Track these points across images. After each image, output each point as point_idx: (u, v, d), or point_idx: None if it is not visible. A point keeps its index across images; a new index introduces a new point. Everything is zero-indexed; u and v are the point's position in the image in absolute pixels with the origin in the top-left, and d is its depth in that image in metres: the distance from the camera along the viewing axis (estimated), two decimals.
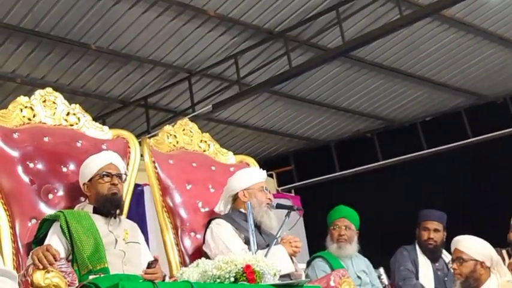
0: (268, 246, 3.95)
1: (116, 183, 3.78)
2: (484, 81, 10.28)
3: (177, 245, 4.29)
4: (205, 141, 4.91)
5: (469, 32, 8.99)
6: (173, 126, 4.80)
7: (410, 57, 9.42)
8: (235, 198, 4.35)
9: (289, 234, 4.18)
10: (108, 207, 3.73)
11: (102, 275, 3.27)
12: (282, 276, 3.52)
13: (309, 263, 5.41)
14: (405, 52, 9.26)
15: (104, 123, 7.34)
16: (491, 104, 10.69)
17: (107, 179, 3.78)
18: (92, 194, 3.80)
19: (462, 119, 10.72)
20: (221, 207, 4.38)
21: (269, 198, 4.30)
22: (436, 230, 5.70)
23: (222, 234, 4.07)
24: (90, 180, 3.81)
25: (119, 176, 3.84)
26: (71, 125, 4.27)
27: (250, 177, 4.40)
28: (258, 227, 4.13)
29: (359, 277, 5.30)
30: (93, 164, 3.84)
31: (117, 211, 3.77)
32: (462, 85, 10.35)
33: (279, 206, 4.29)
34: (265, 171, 4.56)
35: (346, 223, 5.43)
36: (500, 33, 9.09)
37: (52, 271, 3.08)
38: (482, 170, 9.91)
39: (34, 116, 4.12)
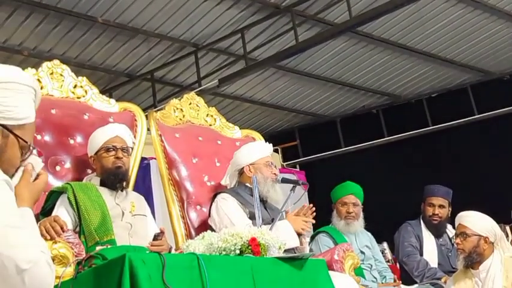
0: (273, 220, 3.97)
1: (120, 156, 3.79)
2: (491, 58, 10.26)
3: (183, 217, 4.32)
4: (212, 116, 4.92)
5: (476, 8, 8.94)
6: (180, 100, 4.81)
7: (417, 33, 9.38)
8: (241, 172, 4.37)
9: (302, 208, 4.21)
10: (112, 180, 3.76)
11: (109, 246, 3.30)
12: (286, 250, 3.55)
13: (312, 238, 5.44)
14: (412, 28, 9.23)
15: (110, 97, 7.33)
16: (498, 81, 10.66)
17: (111, 152, 3.79)
18: (97, 168, 3.84)
19: (468, 96, 10.70)
20: (227, 181, 4.41)
21: (274, 173, 4.32)
22: (441, 206, 5.72)
23: (227, 208, 4.10)
24: (96, 153, 3.84)
25: (124, 149, 3.85)
26: (78, 98, 4.28)
27: (256, 152, 4.41)
28: (263, 201, 4.16)
29: (362, 252, 5.34)
30: (99, 137, 3.86)
31: (123, 184, 3.79)
32: (468, 61, 10.33)
33: (285, 181, 4.30)
34: (271, 144, 4.57)
35: (353, 200, 5.46)
36: (508, 9, 9.04)
37: (59, 242, 3.11)
38: (487, 147, 9.92)
39: (41, 88, 4.09)
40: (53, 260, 3.03)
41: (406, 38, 9.50)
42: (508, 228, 6.03)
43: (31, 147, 2.16)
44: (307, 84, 10.56)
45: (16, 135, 2.09)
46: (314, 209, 4.22)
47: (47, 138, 3.99)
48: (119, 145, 3.83)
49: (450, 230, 5.59)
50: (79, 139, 4.09)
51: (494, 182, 9.29)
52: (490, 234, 4.52)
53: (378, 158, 10.86)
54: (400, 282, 5.38)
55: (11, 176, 2.11)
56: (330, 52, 9.60)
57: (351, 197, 5.48)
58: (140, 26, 8.33)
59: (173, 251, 3.68)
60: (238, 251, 3.10)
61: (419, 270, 5.46)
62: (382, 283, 5.29)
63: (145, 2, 7.85)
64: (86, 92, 4.32)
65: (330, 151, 11.53)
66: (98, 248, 3.24)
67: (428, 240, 5.67)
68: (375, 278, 5.29)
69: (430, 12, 8.87)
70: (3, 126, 2.07)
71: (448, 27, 9.29)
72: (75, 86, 4.29)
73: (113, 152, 3.80)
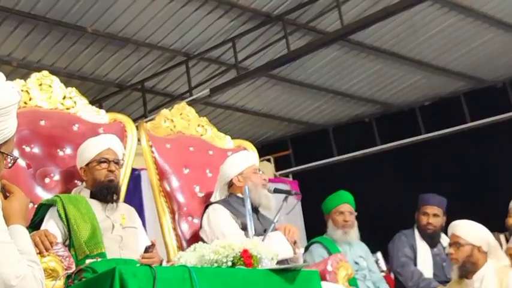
0: (265, 231, 3.93)
1: (112, 169, 3.77)
2: (483, 66, 10.26)
3: (174, 229, 4.29)
4: (203, 126, 4.89)
5: (468, 15, 8.95)
6: (170, 110, 4.78)
7: (409, 41, 9.38)
8: (230, 184, 4.32)
9: (287, 223, 4.17)
10: (104, 193, 3.72)
11: (99, 260, 3.26)
12: (279, 261, 3.51)
13: (306, 248, 5.42)
14: (404, 36, 9.23)
15: (100, 107, 7.25)
16: (490, 89, 10.67)
17: (104, 165, 3.76)
18: (88, 179, 3.79)
19: (461, 104, 10.72)
20: (217, 197, 4.34)
21: (264, 179, 4.29)
22: (435, 215, 5.70)
23: (218, 220, 4.06)
24: (87, 164, 3.80)
25: (116, 161, 3.82)
26: (67, 109, 4.25)
27: (242, 161, 4.37)
28: (256, 211, 4.12)
29: (356, 262, 5.32)
30: (91, 148, 3.82)
31: (114, 197, 3.76)
32: (461, 69, 10.33)
33: (277, 191, 4.26)
34: (254, 152, 4.55)
35: (349, 209, 5.46)
36: (499, 17, 9.05)
37: (49, 255, 3.08)
38: (481, 155, 9.91)
39: (30, 100, 4.10)
40: None
41: (398, 46, 9.50)
42: (502, 236, 6.01)
43: (14, 157, 2.22)
44: (299, 93, 10.55)
45: (3, 153, 2.14)
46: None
47: (35, 150, 3.95)
48: (111, 158, 3.80)
49: (445, 240, 5.56)
50: (68, 151, 4.06)
51: (488, 190, 9.27)
52: (484, 243, 4.49)
53: (370, 166, 10.84)
54: None
55: None
56: (322, 61, 9.59)
57: (346, 206, 5.47)
58: (130, 36, 8.31)
59: (164, 264, 3.64)
60: (230, 263, 3.07)
61: (413, 280, 5.43)
62: None
63: (135, 12, 7.82)
64: (75, 103, 4.29)
65: (323, 160, 11.51)
66: (88, 261, 3.22)
67: (423, 250, 5.65)
68: None
69: (422, 20, 8.87)
70: None
71: (440, 35, 9.29)
72: (64, 97, 4.26)
73: (105, 165, 3.77)
